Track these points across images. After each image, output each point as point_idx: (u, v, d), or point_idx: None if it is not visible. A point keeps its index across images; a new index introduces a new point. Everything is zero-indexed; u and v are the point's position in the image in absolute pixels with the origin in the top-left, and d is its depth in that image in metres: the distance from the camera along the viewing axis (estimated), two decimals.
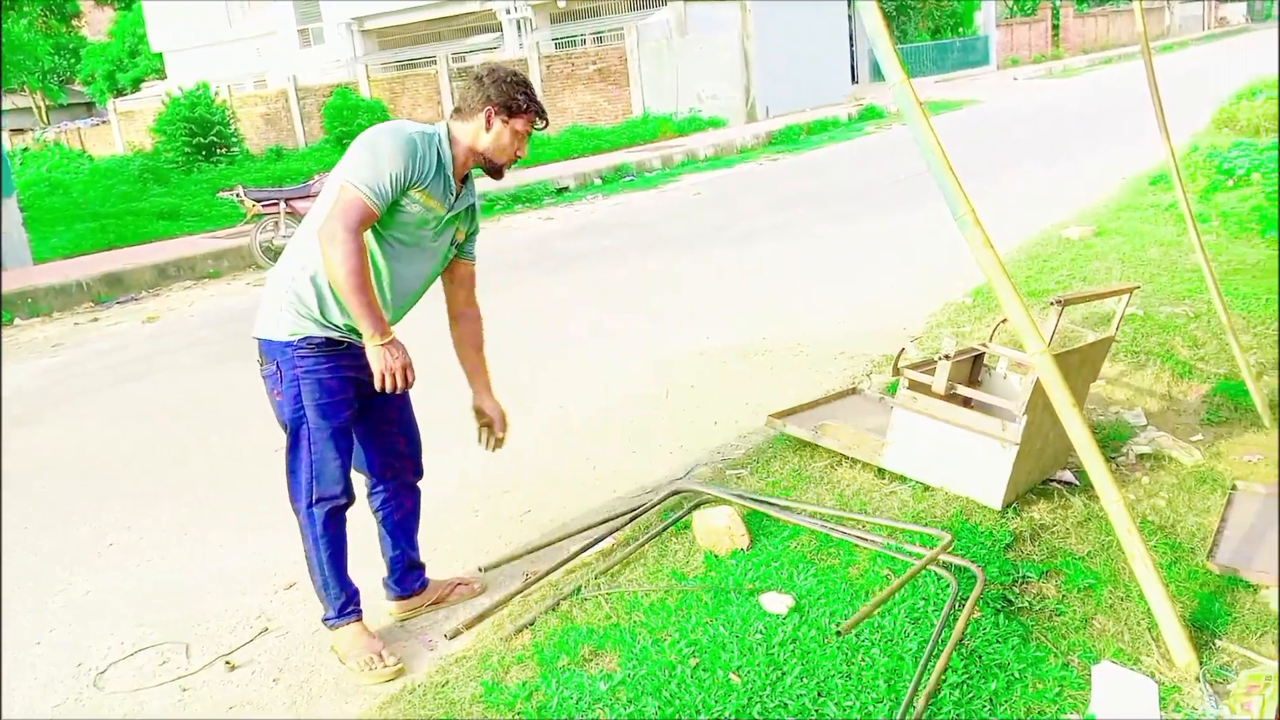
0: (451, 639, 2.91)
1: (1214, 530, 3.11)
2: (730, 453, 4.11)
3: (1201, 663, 2.47)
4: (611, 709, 2.42)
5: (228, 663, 2.90)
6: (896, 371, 3.62)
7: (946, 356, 3.40)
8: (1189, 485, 3.47)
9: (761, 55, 20.93)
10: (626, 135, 18.32)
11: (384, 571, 3.05)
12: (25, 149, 25.60)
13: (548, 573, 3.17)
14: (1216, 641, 2.58)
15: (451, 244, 2.81)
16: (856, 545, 3.09)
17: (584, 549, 3.29)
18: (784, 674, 2.47)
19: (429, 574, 3.13)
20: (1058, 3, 39.15)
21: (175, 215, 13.21)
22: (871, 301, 6.34)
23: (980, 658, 2.52)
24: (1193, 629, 2.60)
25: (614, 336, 6.08)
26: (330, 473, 2.69)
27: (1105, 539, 3.07)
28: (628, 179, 14.41)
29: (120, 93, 34.48)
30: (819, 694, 2.40)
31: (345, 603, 2.82)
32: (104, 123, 30.62)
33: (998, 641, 2.58)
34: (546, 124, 2.74)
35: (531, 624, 2.85)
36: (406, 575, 3.05)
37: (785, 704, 2.37)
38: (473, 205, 2.83)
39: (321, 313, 2.61)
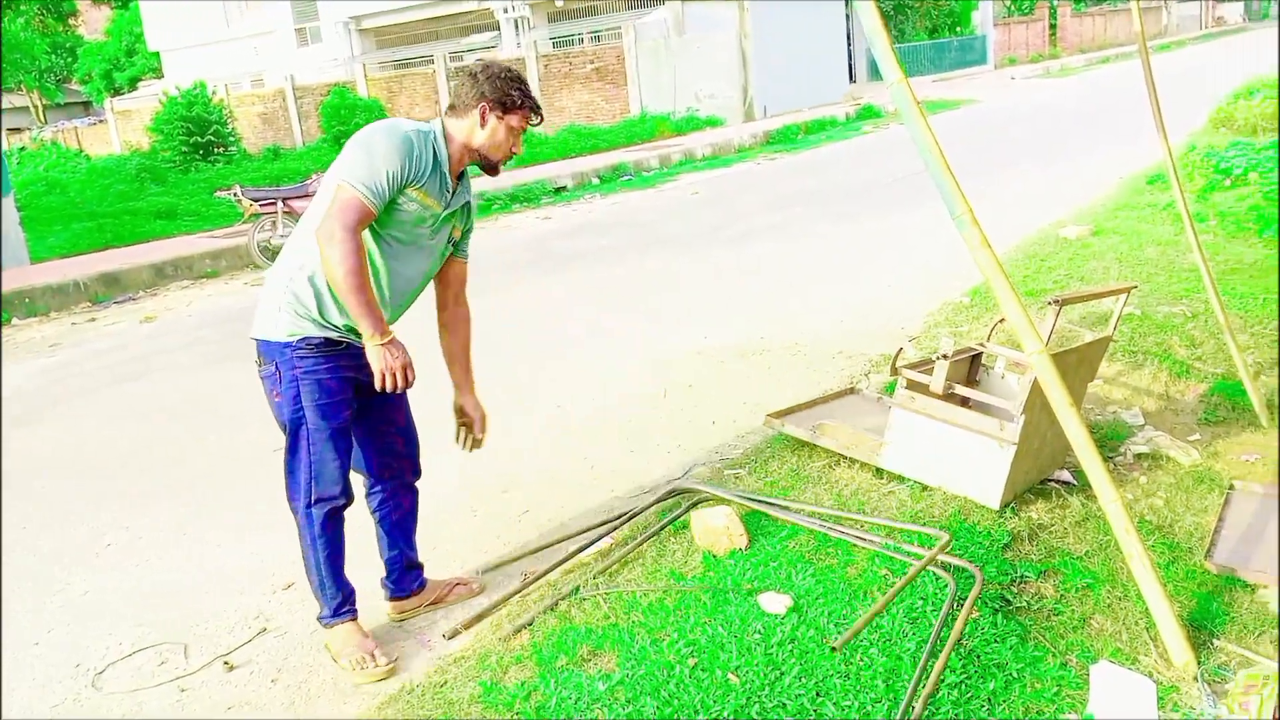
0: (450, 639, 2.91)
1: (1212, 530, 3.11)
2: (728, 452, 4.12)
3: (1199, 662, 2.48)
4: (610, 709, 2.42)
5: (226, 663, 2.90)
6: (894, 371, 3.62)
7: (944, 356, 3.40)
8: (1187, 485, 3.48)
9: (759, 54, 20.94)
10: (624, 135, 18.30)
11: (382, 571, 3.05)
12: (22, 148, 25.55)
13: (546, 572, 3.17)
14: (1214, 641, 2.58)
15: (448, 242, 2.81)
16: (855, 545, 3.09)
17: (582, 549, 3.29)
18: (782, 674, 2.47)
19: (427, 574, 3.13)
20: (1055, 2, 39.17)
21: (172, 215, 13.19)
22: (869, 301, 6.34)
23: (978, 657, 2.52)
24: (1190, 628, 2.60)
25: (612, 336, 6.08)
26: (329, 473, 2.69)
27: (1103, 538, 3.07)
28: (625, 178, 14.40)
29: (117, 92, 34.43)
30: (817, 694, 2.40)
31: (341, 602, 2.82)
32: (101, 122, 30.60)
33: (996, 641, 2.59)
34: (541, 119, 2.74)
35: (530, 624, 2.85)
36: (405, 575, 3.05)
37: (784, 704, 2.37)
38: (469, 202, 2.83)
39: (320, 313, 2.60)
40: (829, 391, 4.51)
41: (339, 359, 2.66)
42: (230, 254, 10.12)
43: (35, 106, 38.72)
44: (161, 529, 3.89)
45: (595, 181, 14.16)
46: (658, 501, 3.56)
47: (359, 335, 2.58)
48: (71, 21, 37.31)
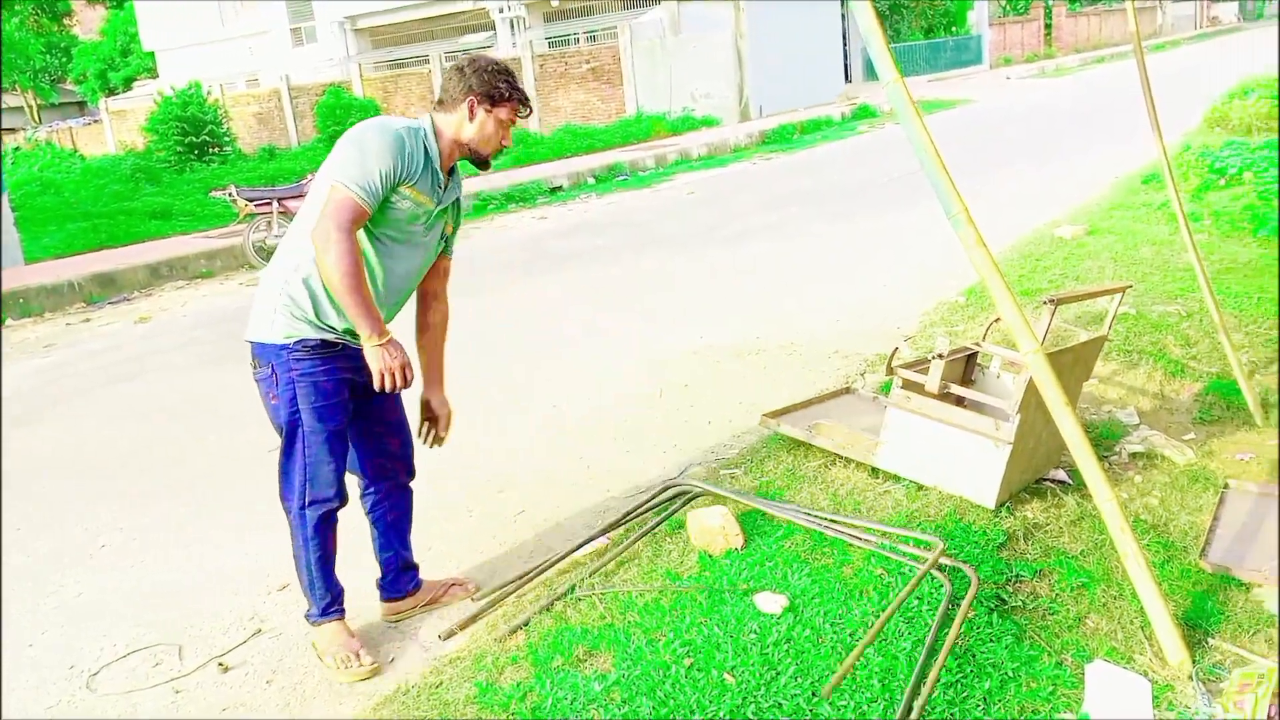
0: (445, 640, 2.90)
1: (1206, 529, 3.12)
2: (724, 452, 4.11)
3: (1194, 661, 2.48)
4: (606, 709, 2.41)
5: (221, 664, 2.89)
6: (890, 370, 3.62)
7: (940, 355, 3.40)
8: (1181, 484, 3.48)
9: (755, 54, 20.94)
10: (620, 134, 18.30)
11: (377, 572, 3.04)
12: (17, 148, 25.52)
13: (541, 572, 3.16)
14: (1209, 640, 2.59)
15: (441, 238, 2.80)
16: (851, 544, 3.09)
17: (577, 548, 3.29)
18: (779, 674, 2.47)
19: (423, 575, 3.12)
20: (1050, 2, 39.24)
21: (167, 215, 13.17)
22: (865, 300, 6.34)
23: (974, 657, 2.53)
24: (1186, 627, 2.61)
25: (608, 336, 6.08)
26: (324, 476, 2.68)
27: (1098, 538, 3.08)
28: (621, 178, 14.40)
29: (112, 92, 34.35)
30: (813, 694, 2.40)
31: (330, 602, 2.82)
32: (96, 122, 30.55)
33: (991, 641, 2.59)
34: (530, 111, 2.73)
35: (526, 624, 2.85)
36: (400, 576, 3.04)
37: (780, 704, 2.37)
38: (459, 198, 2.82)
39: (316, 315, 2.59)
40: (825, 391, 4.51)
41: (335, 361, 2.65)
42: (225, 254, 10.11)
43: (30, 106, 38.66)
44: (156, 530, 3.88)
45: (591, 181, 14.16)
46: (653, 499, 3.56)
47: (355, 337, 2.57)
48: (66, 21, 37.22)
